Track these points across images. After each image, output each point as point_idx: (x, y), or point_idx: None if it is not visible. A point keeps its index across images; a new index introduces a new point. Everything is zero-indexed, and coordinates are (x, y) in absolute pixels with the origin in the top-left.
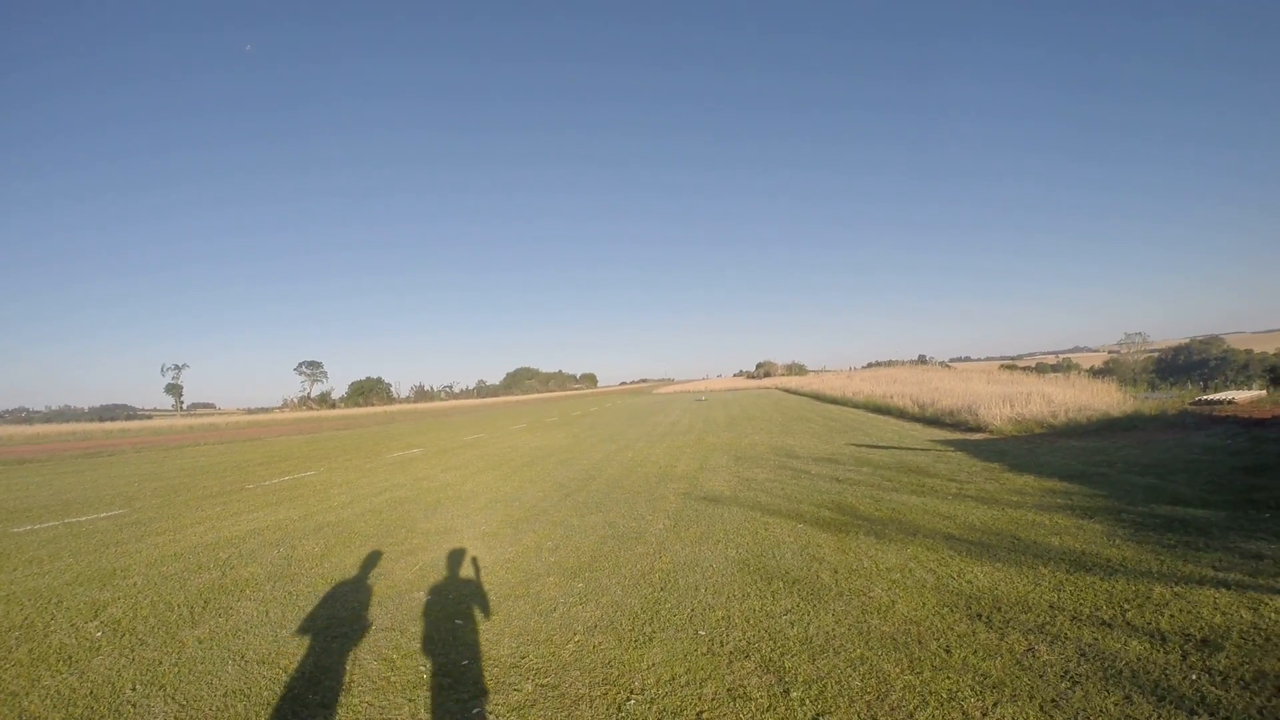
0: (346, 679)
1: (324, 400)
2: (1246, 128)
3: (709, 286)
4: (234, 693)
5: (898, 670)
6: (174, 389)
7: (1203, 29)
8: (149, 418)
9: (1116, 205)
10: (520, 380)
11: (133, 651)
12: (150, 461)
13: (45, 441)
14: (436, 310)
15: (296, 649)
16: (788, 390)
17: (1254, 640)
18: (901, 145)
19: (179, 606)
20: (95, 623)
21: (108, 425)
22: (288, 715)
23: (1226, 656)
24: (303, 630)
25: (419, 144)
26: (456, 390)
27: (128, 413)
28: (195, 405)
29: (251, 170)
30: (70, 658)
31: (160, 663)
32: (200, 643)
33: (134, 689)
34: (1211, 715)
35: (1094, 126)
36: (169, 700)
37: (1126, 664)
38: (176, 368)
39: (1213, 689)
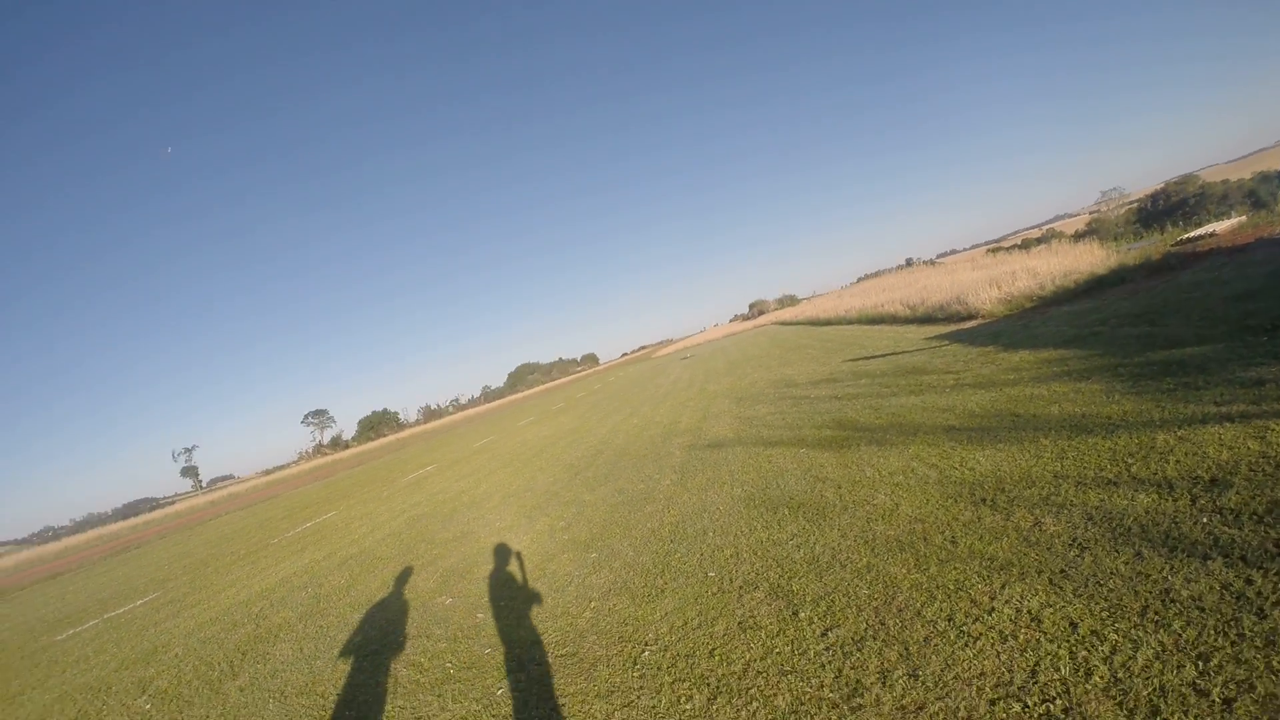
0: (378, 691)
1: (336, 443)
2: None
3: (690, 239)
4: None
5: (904, 571)
6: (190, 471)
7: None
8: (171, 504)
9: (1077, 56)
10: (523, 376)
11: (180, 713)
12: (176, 543)
13: (74, 552)
14: (428, 330)
15: (332, 675)
16: (783, 323)
17: (1263, 470)
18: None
19: (219, 664)
20: (144, 697)
21: (131, 521)
22: None
23: (1236, 492)
24: (336, 657)
25: (395, 161)
26: (463, 401)
27: (150, 505)
28: (214, 480)
29: (229, 235)
30: None
31: (208, 717)
32: (242, 690)
33: None
34: (1225, 556)
35: None
36: None
37: (1134, 519)
38: (186, 450)
39: (1225, 528)
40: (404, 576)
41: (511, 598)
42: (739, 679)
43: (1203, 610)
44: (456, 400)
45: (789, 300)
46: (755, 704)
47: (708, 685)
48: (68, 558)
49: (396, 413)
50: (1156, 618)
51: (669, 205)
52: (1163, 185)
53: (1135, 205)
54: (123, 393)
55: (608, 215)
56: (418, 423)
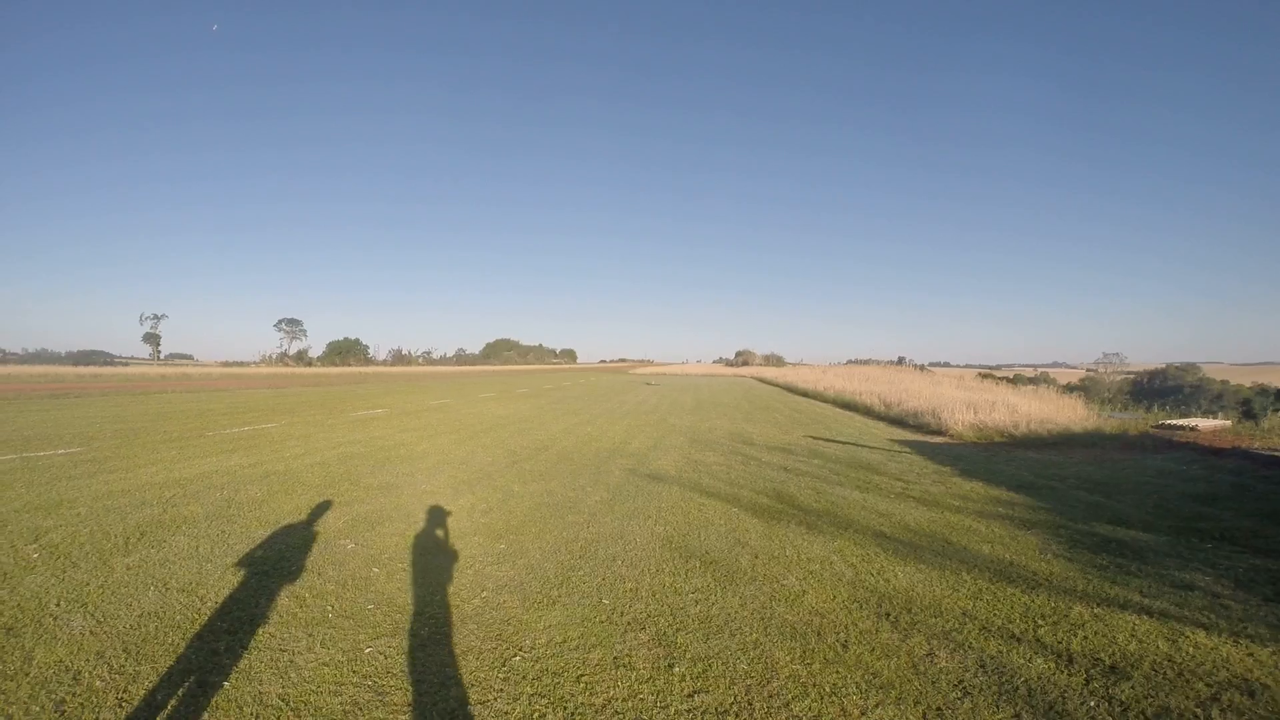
0: (255, 612)
1: (300, 358)
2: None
3: (696, 271)
4: (149, 614)
5: (788, 659)
6: (152, 338)
7: (1194, 37)
8: (125, 365)
9: (1106, 223)
10: (499, 351)
11: (64, 573)
12: (115, 405)
13: (15, 381)
14: (420, 277)
15: (217, 582)
16: (761, 380)
17: (1165, 673)
18: (901, 139)
19: (115, 536)
20: (34, 546)
21: (80, 369)
22: (194, 637)
23: (1132, 687)
24: (228, 565)
25: (414, 100)
26: (435, 357)
27: (104, 359)
28: (173, 355)
29: (241, 122)
30: (4, 574)
31: (88, 584)
32: (129, 569)
33: (59, 604)
34: None
35: (1096, 130)
36: (89, 617)
37: (1025, 681)
38: (155, 317)
39: (1109, 719)
40: (318, 509)
41: (411, 563)
42: (595, 712)
43: None
44: (428, 353)
45: (775, 360)
46: None
47: (564, 709)
48: (7, 385)
49: (367, 346)
50: None
51: (688, 227)
52: (1164, 366)
53: (1132, 376)
54: (109, 235)
55: (626, 215)
56: (385, 363)
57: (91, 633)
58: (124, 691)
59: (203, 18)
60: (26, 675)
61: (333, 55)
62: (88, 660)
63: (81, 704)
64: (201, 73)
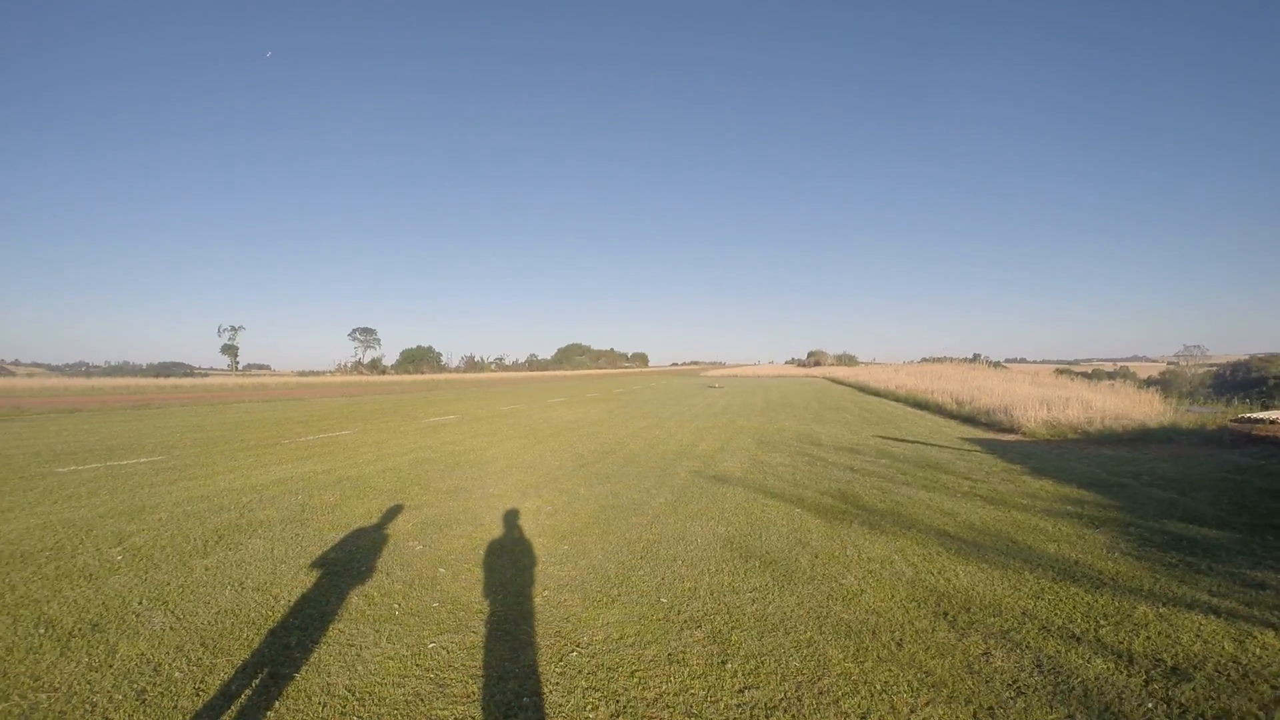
0: (325, 609)
1: (374, 366)
2: None
3: (768, 271)
4: (226, 612)
5: (840, 657)
6: (230, 349)
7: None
8: (204, 376)
9: (1191, 213)
10: (571, 355)
11: (146, 574)
12: (195, 415)
13: (99, 394)
14: (492, 284)
15: (291, 582)
16: (834, 380)
17: (1229, 675)
18: (970, 132)
19: (195, 539)
20: (118, 549)
21: (161, 381)
22: (266, 632)
23: (1193, 689)
24: (300, 567)
25: (484, 108)
26: (507, 362)
27: (184, 370)
28: (250, 366)
29: (314, 141)
30: (91, 575)
31: (168, 584)
32: (207, 570)
33: (141, 603)
34: None
35: (1168, 133)
36: (169, 614)
37: (1082, 682)
38: (233, 329)
39: None
40: (388, 512)
41: (476, 563)
42: (647, 706)
43: None
44: (500, 359)
45: (847, 359)
46: None
47: (616, 702)
48: (91, 397)
49: (440, 354)
50: None
51: (758, 226)
52: (1247, 357)
53: (1214, 369)
54: (188, 250)
55: (696, 217)
56: (457, 369)
57: (171, 628)
58: (201, 682)
59: (263, 30)
60: (110, 667)
61: (408, 63)
62: (167, 654)
63: (161, 693)
64: (266, 81)
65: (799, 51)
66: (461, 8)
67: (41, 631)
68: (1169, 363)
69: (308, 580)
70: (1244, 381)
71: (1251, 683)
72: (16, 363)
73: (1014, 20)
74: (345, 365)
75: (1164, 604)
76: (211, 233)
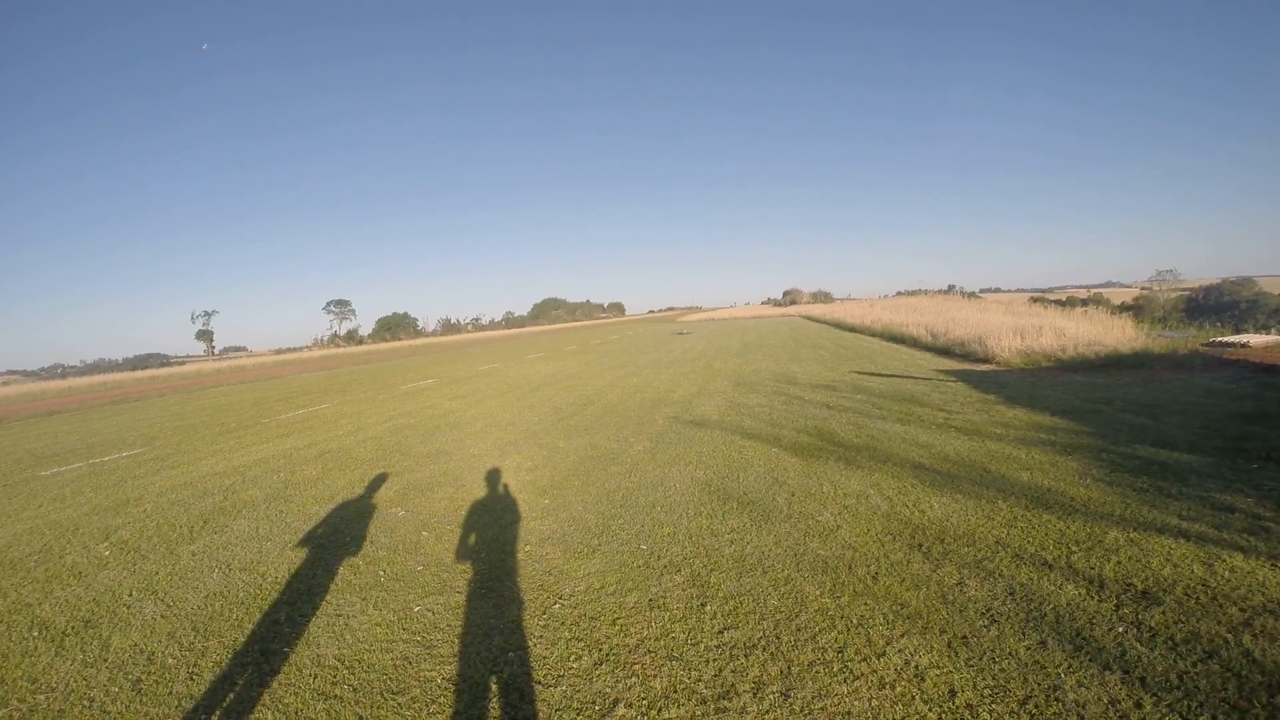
0: (312, 582)
1: (351, 337)
2: None
3: (740, 211)
4: (215, 595)
5: (817, 593)
6: (205, 335)
7: None
8: (181, 364)
9: (1159, 134)
10: (547, 310)
11: (134, 565)
12: (174, 404)
13: (77, 393)
14: (463, 244)
15: (277, 559)
16: (809, 318)
17: (1197, 598)
18: (941, 61)
19: (181, 526)
20: (105, 544)
21: (138, 374)
22: (256, 611)
23: (1163, 612)
24: (286, 543)
25: (444, 66)
26: (484, 322)
27: (160, 361)
28: (227, 349)
29: (272, 119)
30: (80, 573)
31: (157, 573)
32: (194, 555)
33: (131, 595)
34: (1125, 672)
35: (1143, 51)
36: (159, 602)
37: (1054, 608)
38: (206, 314)
39: (1136, 645)
40: (371, 481)
41: (458, 524)
42: (629, 653)
43: (1081, 718)
44: (477, 319)
45: (823, 296)
46: (633, 679)
47: (599, 651)
48: (70, 397)
49: (416, 319)
50: (1034, 711)
51: (729, 166)
52: (1219, 281)
53: (1186, 294)
54: (155, 241)
55: (664, 160)
56: (435, 333)
57: (162, 616)
58: (194, 666)
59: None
60: (105, 661)
61: (372, 30)
62: (160, 641)
63: (156, 681)
64: (223, 63)
65: None
66: None
67: (36, 634)
68: (1142, 288)
69: (294, 556)
70: (1216, 305)
71: (1220, 605)
72: None
73: None
74: (322, 339)
75: (1134, 529)
76: (177, 220)
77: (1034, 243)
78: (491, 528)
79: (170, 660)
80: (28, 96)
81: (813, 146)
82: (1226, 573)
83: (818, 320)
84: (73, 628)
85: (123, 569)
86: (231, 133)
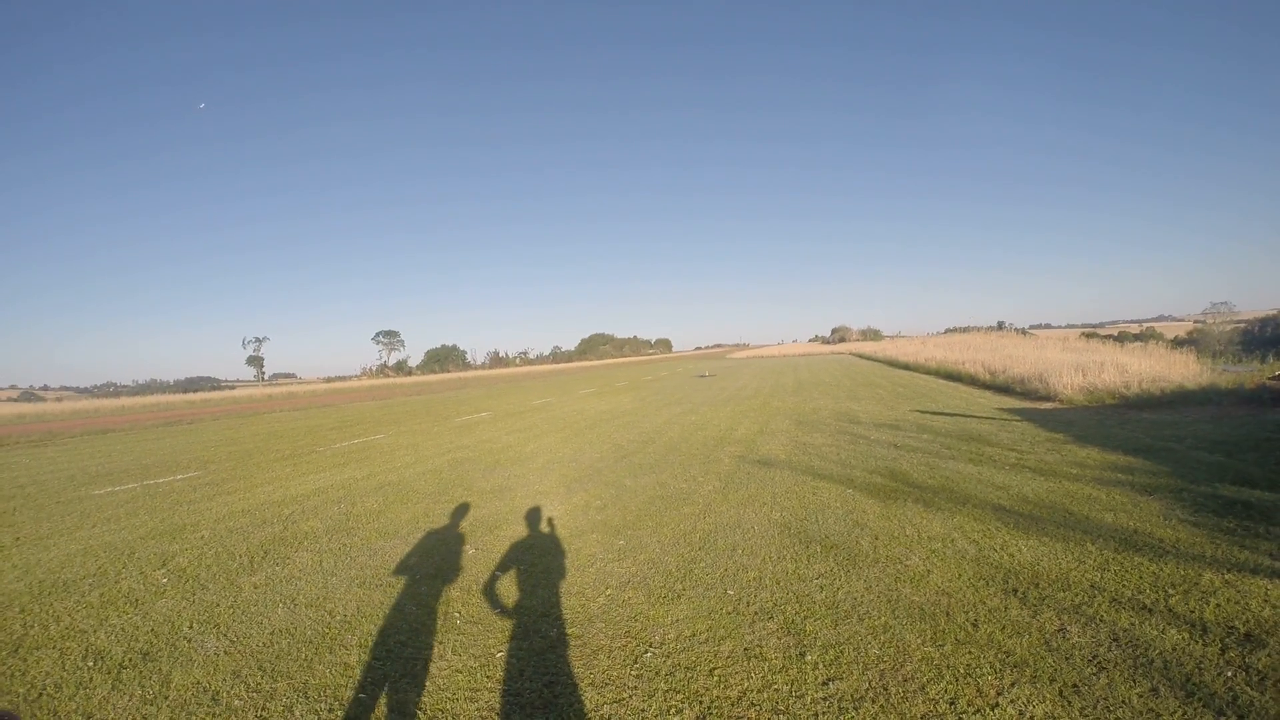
0: (383, 623)
1: (400, 368)
2: None
3: (788, 246)
4: (280, 631)
5: (919, 641)
6: (255, 361)
7: None
8: (232, 388)
9: (1212, 168)
10: (595, 346)
11: (194, 595)
12: (227, 428)
13: (130, 413)
14: (513, 278)
15: (344, 595)
16: (860, 355)
17: None
18: (987, 89)
19: (240, 556)
20: (162, 571)
21: (190, 396)
22: (325, 651)
23: (1269, 654)
24: (350, 579)
25: (493, 109)
26: (531, 356)
27: (211, 384)
28: (276, 375)
29: (323, 143)
30: (137, 600)
31: (218, 605)
32: (255, 588)
33: (191, 627)
34: (1240, 717)
35: (1182, 84)
36: (221, 637)
37: (1160, 654)
38: (257, 340)
39: (1247, 689)
40: (435, 516)
41: (532, 564)
42: (731, 705)
43: None
44: (525, 354)
45: (872, 334)
46: None
47: (700, 703)
48: (123, 416)
49: (465, 351)
50: None
51: (779, 203)
52: (1274, 312)
53: (1242, 325)
54: (209, 268)
55: (714, 197)
56: (483, 366)
57: (226, 652)
58: (262, 710)
59: (264, 32)
60: (166, 699)
61: (421, 57)
62: (224, 680)
63: None
64: (279, 89)
65: (806, 11)
66: None
67: (90, 664)
68: (1196, 321)
69: (361, 593)
70: (1273, 337)
71: None
72: (45, 388)
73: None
74: (371, 369)
75: (1228, 570)
76: (229, 243)
77: (1083, 278)
78: (568, 569)
79: (237, 702)
80: (94, 128)
81: (860, 178)
82: None
83: (869, 358)
84: (130, 659)
85: (181, 598)
86: (284, 155)
